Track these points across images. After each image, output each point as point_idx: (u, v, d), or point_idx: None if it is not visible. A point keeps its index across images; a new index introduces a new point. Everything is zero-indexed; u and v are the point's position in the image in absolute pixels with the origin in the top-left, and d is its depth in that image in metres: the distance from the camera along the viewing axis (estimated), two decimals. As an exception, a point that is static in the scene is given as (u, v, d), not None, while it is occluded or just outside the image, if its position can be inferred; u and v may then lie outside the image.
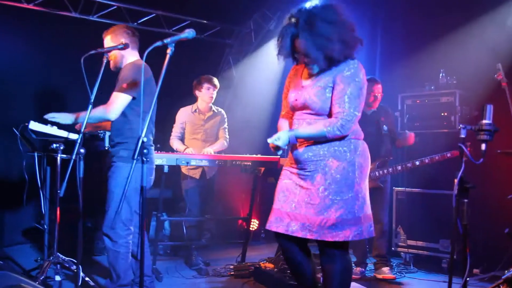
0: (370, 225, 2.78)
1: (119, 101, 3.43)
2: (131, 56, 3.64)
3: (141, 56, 2.53)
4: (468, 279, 3.24)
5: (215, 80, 5.31)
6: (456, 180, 2.49)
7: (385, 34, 6.13)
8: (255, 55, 7.43)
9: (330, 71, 2.72)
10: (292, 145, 2.88)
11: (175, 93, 6.28)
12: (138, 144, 2.53)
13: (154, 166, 3.69)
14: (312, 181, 2.73)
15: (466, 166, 2.64)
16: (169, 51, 2.64)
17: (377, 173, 4.73)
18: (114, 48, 3.41)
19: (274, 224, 2.83)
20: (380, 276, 4.67)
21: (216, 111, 5.44)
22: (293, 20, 2.67)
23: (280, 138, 2.76)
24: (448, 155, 4.44)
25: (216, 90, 5.32)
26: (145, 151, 2.57)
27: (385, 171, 4.67)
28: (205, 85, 5.26)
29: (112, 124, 3.62)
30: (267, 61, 7.20)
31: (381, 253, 4.78)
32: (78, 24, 6.08)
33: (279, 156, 4.71)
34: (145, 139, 2.53)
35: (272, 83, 7.06)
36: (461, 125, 2.59)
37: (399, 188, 5.33)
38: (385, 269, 4.71)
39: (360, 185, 2.74)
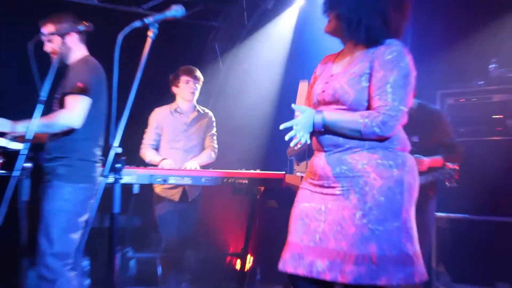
0: (422, 265, 2.73)
1: (81, 104, 3.54)
2: (78, 50, 3.76)
3: (115, 41, 2.51)
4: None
5: (197, 72, 5.35)
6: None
7: (416, 18, 6.14)
8: (248, 41, 7.44)
9: (366, 54, 2.74)
10: (313, 149, 2.87)
11: (146, 90, 6.20)
12: (110, 157, 2.49)
13: (97, 187, 3.73)
14: (346, 204, 2.67)
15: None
16: (151, 33, 2.66)
17: None
18: (71, 30, 3.45)
19: (291, 263, 2.74)
20: None
21: (202, 112, 5.43)
22: None
23: (300, 123, 2.74)
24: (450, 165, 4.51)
25: (199, 83, 5.35)
26: (118, 165, 2.52)
27: None
28: (183, 78, 5.28)
29: (49, 134, 3.69)
30: (265, 49, 7.20)
31: None
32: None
33: (283, 173, 4.79)
34: (119, 150, 2.49)
35: (271, 77, 7.06)
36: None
37: (441, 214, 5.29)
38: None
39: (408, 212, 2.69)
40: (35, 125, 3.25)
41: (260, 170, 4.92)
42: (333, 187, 2.73)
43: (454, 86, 5.53)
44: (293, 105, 2.82)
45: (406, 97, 2.64)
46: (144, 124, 5.41)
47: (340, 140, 2.73)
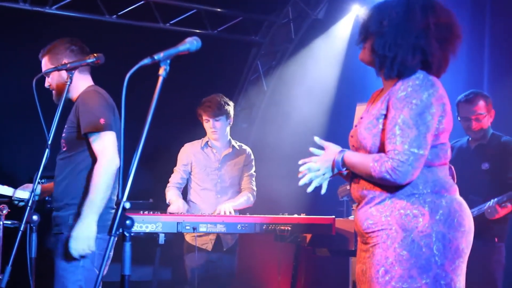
0: None
1: (110, 141, 3.65)
2: (83, 82, 3.89)
3: (122, 81, 2.62)
4: None
5: (216, 106, 5.35)
6: None
7: (495, 31, 6.15)
8: (296, 59, 7.55)
9: (388, 92, 2.85)
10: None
11: (174, 122, 6.40)
12: (118, 212, 2.59)
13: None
14: (372, 261, 2.81)
15: None
16: (162, 71, 2.68)
17: None
18: (83, 63, 3.59)
19: None
20: None
21: (237, 148, 5.54)
22: None
23: (321, 160, 2.90)
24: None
25: (225, 117, 5.39)
26: (128, 222, 2.63)
27: None
28: (203, 117, 5.41)
29: (58, 177, 3.81)
30: (315, 66, 7.28)
31: None
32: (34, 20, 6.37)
33: (332, 217, 4.84)
34: (127, 205, 2.59)
35: (323, 100, 7.14)
36: None
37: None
38: None
39: (444, 267, 2.75)
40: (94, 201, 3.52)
41: (306, 215, 5.02)
42: (367, 244, 2.86)
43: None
44: (315, 138, 2.98)
45: (419, 138, 2.70)
46: (173, 162, 5.57)
47: (364, 190, 2.85)
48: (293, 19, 7.49)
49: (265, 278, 6.98)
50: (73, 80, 3.78)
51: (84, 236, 3.53)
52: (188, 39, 2.81)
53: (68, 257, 3.64)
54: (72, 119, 3.76)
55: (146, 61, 2.69)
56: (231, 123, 5.48)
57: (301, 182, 2.93)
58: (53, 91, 3.88)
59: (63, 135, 3.80)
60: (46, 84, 3.85)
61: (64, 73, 3.74)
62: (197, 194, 5.43)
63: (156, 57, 2.68)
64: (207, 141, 5.47)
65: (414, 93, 2.73)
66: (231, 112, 5.45)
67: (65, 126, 3.79)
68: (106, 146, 3.64)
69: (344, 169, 2.89)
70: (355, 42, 2.99)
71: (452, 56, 2.90)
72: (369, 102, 3.10)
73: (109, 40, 6.33)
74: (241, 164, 5.51)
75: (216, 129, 5.37)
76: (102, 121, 3.64)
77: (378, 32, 2.84)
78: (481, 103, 4.90)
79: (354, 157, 2.86)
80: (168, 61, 2.73)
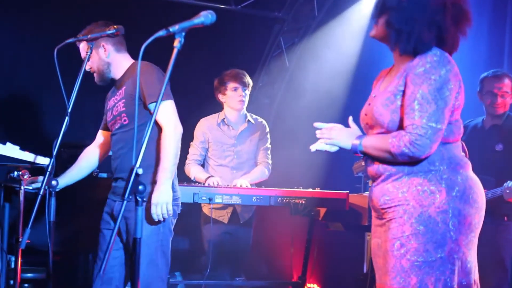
0: None
1: (172, 109, 3.82)
2: (124, 61, 3.99)
3: (137, 53, 2.73)
4: None
5: (246, 77, 5.47)
6: None
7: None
8: (319, 35, 7.56)
9: (405, 69, 2.90)
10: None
11: (194, 96, 6.50)
12: (131, 178, 2.69)
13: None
14: (388, 235, 2.91)
15: None
16: (177, 43, 2.78)
17: None
18: (101, 34, 3.70)
19: None
20: None
21: (253, 122, 5.60)
22: None
23: (340, 131, 3.04)
24: None
25: (249, 90, 5.50)
26: (140, 187, 2.74)
27: None
28: (231, 85, 5.45)
29: (123, 149, 3.91)
30: (338, 44, 7.31)
31: None
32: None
33: (346, 192, 4.92)
34: (140, 171, 2.70)
35: (345, 78, 7.19)
36: None
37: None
38: None
39: (458, 242, 2.84)
40: (167, 168, 3.69)
41: (320, 189, 5.11)
42: (383, 219, 2.98)
43: None
44: (315, 124, 3.15)
45: (437, 112, 2.78)
46: (190, 136, 5.63)
47: (381, 168, 2.95)
48: (316, -5, 7.50)
49: (279, 251, 7.05)
50: (115, 60, 3.95)
51: (163, 201, 3.69)
52: (203, 13, 2.92)
53: (149, 222, 3.75)
54: (132, 93, 3.83)
55: (161, 33, 2.80)
56: None
57: (313, 148, 3.09)
58: (95, 74, 3.97)
59: (123, 109, 3.87)
60: (87, 67, 3.91)
61: (103, 54, 3.89)
62: (213, 169, 5.51)
63: (171, 29, 2.79)
64: (224, 118, 5.53)
65: (433, 69, 2.80)
66: None
67: (122, 101, 3.87)
68: (169, 115, 3.78)
69: (360, 151, 2.99)
70: (371, 16, 3.05)
71: (462, 36, 2.96)
72: (376, 81, 3.19)
73: (133, 15, 6.40)
74: (257, 138, 5.58)
75: (244, 98, 5.44)
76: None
77: (397, 7, 2.88)
78: (508, 81, 4.97)
79: (372, 139, 2.97)
80: (183, 34, 2.83)
